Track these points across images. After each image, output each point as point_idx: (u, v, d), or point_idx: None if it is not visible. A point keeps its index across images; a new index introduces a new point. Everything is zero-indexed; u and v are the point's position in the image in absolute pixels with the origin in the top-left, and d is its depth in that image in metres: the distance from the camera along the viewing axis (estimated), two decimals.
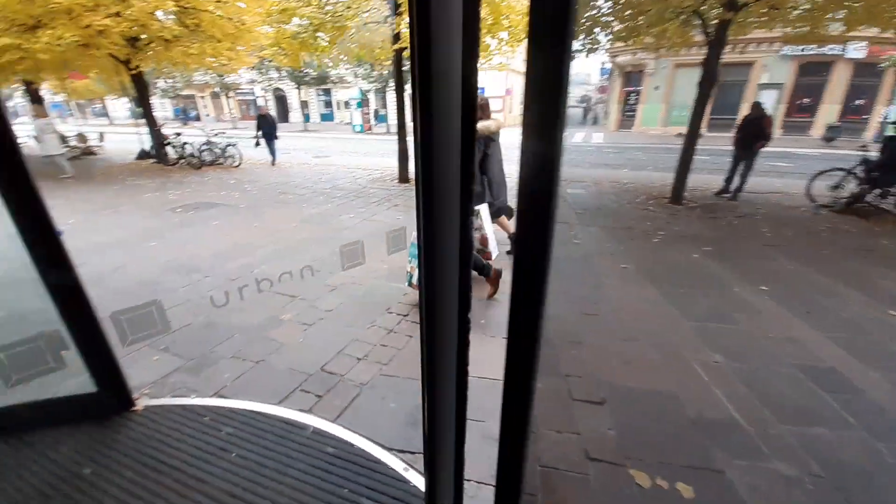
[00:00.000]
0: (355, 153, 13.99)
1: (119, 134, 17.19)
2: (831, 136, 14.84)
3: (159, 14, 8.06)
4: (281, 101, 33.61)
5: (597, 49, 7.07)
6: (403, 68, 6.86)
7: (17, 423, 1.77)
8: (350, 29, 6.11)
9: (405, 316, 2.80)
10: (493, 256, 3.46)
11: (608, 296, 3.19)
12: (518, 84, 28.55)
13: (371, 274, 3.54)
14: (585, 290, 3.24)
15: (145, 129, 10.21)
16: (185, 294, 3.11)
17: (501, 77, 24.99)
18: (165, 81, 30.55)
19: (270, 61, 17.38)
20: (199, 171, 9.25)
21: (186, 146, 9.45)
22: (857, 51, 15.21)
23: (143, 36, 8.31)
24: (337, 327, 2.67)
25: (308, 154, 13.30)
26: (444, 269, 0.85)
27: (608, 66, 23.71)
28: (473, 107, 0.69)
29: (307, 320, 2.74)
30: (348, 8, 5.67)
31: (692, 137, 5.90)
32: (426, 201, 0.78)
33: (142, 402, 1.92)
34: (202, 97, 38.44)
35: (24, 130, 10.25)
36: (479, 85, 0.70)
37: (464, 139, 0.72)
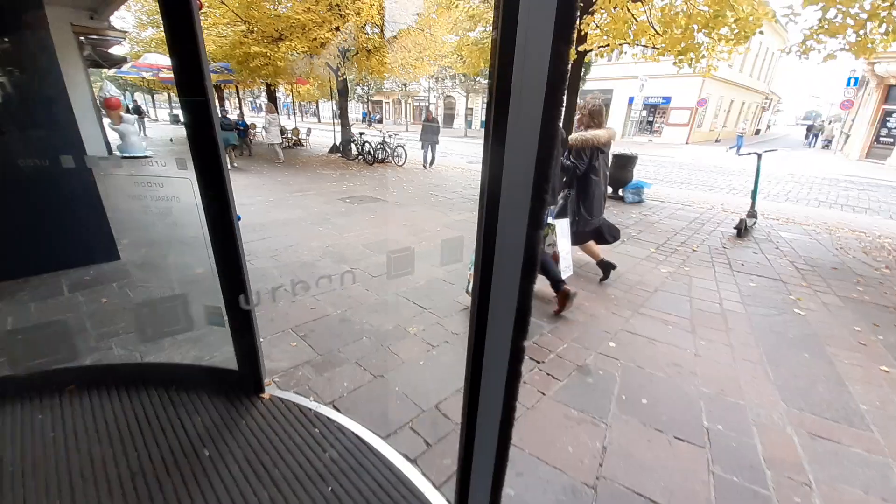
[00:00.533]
0: None
1: (323, 130, 21.10)
2: None
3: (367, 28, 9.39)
4: (449, 108, 36.37)
5: (818, 51, 5.03)
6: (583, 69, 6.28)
7: (171, 379, 2.00)
8: None
9: (540, 364, 2.34)
10: (563, 278, 2.94)
11: (853, 406, 2.09)
12: (718, 93, 24.27)
13: None
14: (817, 393, 2.20)
15: (339, 128, 12.14)
16: (334, 283, 3.31)
17: (695, 84, 21.59)
18: (362, 88, 36.50)
19: (449, 69, 18.89)
20: (371, 166, 10.47)
21: (365, 145, 10.82)
22: None
23: (351, 48, 9.81)
24: (460, 356, 2.39)
25: (463, 158, 13.82)
26: (501, 285, 0.76)
27: (859, 75, 18.01)
28: (557, 101, 0.61)
29: (432, 340, 2.54)
30: None
31: None
32: (490, 206, 0.71)
33: (270, 391, 1.98)
34: (387, 102, 44.59)
35: (259, 122, 13.42)
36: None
37: (543, 138, 0.64)
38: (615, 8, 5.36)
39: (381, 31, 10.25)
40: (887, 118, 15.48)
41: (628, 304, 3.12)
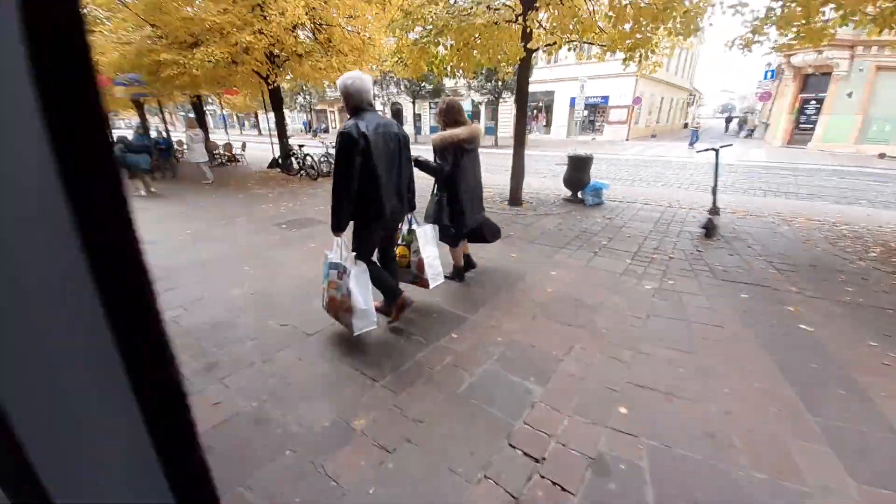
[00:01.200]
0: None
1: (262, 144, 19.55)
2: None
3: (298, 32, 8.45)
4: (397, 114, 35.54)
5: (761, 43, 4.97)
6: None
7: None
8: (475, 30, 5.31)
9: (539, 463, 1.70)
10: (431, 286, 2.93)
11: None
12: (650, 91, 25.38)
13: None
14: (876, 452, 1.73)
15: (283, 140, 11.03)
16: (250, 355, 2.49)
17: (630, 84, 22.39)
18: (304, 97, 34.79)
19: (390, 73, 18.11)
20: (315, 181, 9.49)
21: (307, 158, 9.82)
22: None
23: (279, 53, 8.80)
24: (435, 467, 1.70)
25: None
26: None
27: (774, 67, 19.43)
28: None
29: (388, 440, 1.83)
30: (478, 3, 4.86)
31: None
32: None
33: None
34: (332, 111, 42.96)
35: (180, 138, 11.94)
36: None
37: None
38: (560, 2, 4.95)
39: (314, 33, 9.34)
40: (805, 106, 16.72)
41: (625, 341, 2.58)
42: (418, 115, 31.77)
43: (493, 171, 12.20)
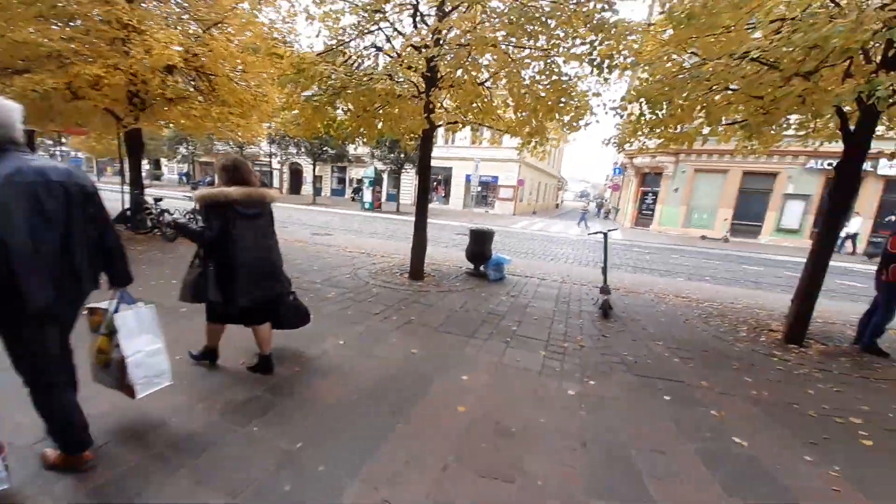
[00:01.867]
0: (360, 232, 12.59)
1: (123, 194, 16.09)
2: (872, 252, 13.55)
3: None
4: (296, 174, 33.91)
5: (631, 143, 5.69)
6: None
7: None
8: (376, 97, 4.87)
9: None
10: (138, 395, 1.99)
11: None
12: (530, 175, 28.70)
13: None
14: None
15: (134, 191, 8.86)
16: None
17: (514, 168, 25.03)
18: (186, 147, 31.07)
19: (283, 134, 17.04)
20: (172, 243, 7.59)
21: (165, 214, 7.91)
22: (891, 168, 14.66)
23: (143, 93, 7.25)
24: None
25: (308, 230, 11.86)
26: None
27: (619, 165, 23.78)
28: None
29: None
30: (380, 79, 4.44)
31: (823, 256, 4.22)
32: None
33: None
34: None
35: None
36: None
37: None
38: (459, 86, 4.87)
39: (195, 79, 8.05)
40: (645, 196, 20.39)
41: (569, 500, 1.85)
42: (318, 177, 30.65)
43: (395, 237, 11.68)
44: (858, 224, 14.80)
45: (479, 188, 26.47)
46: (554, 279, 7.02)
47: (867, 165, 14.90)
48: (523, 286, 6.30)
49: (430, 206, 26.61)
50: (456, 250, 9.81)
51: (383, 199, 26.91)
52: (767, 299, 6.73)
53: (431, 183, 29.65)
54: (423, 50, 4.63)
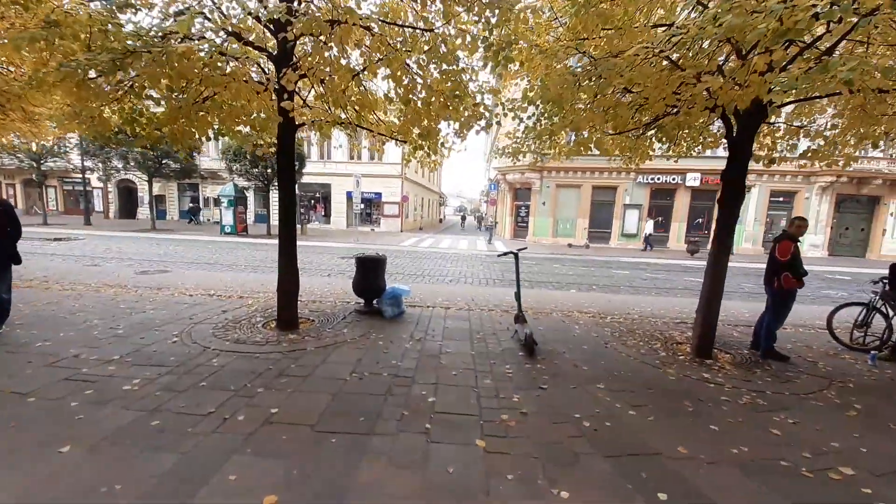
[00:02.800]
0: (213, 265, 9.78)
1: None
2: (693, 249, 16.60)
3: None
4: (128, 194, 26.78)
5: (524, 154, 5.33)
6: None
7: None
8: (192, 73, 3.11)
9: None
10: None
11: None
12: (413, 192, 28.20)
13: None
14: None
15: None
16: None
17: (397, 184, 24.17)
18: None
19: (102, 144, 12.73)
20: None
21: None
22: (693, 181, 18.24)
23: None
24: None
25: (134, 267, 8.62)
26: None
27: (494, 181, 24.96)
28: None
29: None
30: (181, 18, 2.71)
31: (720, 266, 4.10)
32: None
33: None
34: (11, 184, 29.02)
35: None
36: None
37: None
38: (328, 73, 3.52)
39: None
40: (519, 210, 21.62)
41: None
42: (159, 197, 24.82)
43: (263, 267, 9.21)
44: (651, 226, 18.00)
45: (363, 205, 24.82)
46: (459, 307, 6.04)
47: (678, 179, 18.34)
48: (428, 321, 5.12)
49: (310, 226, 23.75)
50: (341, 279, 8.14)
51: (250, 220, 22.97)
52: (651, 304, 6.96)
53: (309, 201, 26.67)
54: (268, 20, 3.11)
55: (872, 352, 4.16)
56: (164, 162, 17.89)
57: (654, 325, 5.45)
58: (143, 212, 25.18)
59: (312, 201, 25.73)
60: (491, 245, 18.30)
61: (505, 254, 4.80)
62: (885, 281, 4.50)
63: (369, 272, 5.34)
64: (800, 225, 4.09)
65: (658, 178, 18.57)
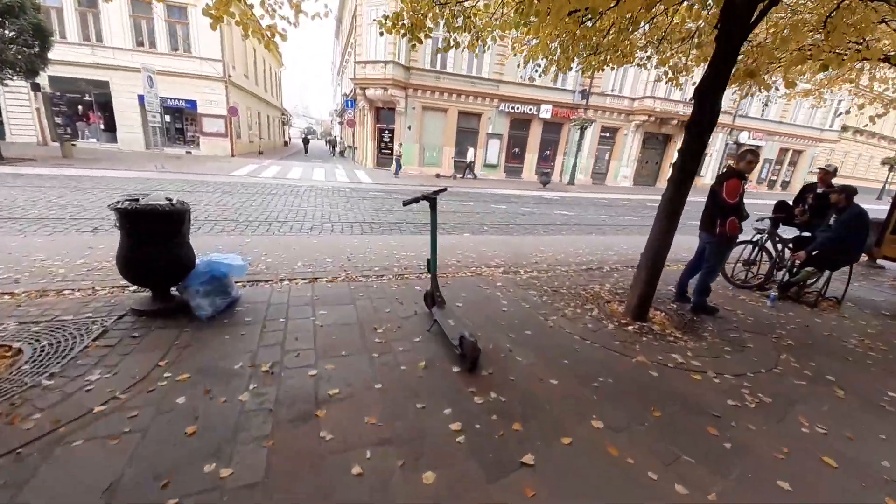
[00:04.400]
0: None
1: None
2: (545, 180, 17.50)
3: None
4: None
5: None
6: None
7: None
8: None
9: None
10: None
11: None
12: (245, 103, 21.70)
13: None
14: None
15: None
16: None
17: (219, 89, 17.86)
18: None
19: None
20: None
21: None
22: (546, 112, 18.67)
23: None
24: None
25: None
26: None
27: (351, 97, 21.02)
28: None
29: None
30: None
31: (671, 220, 3.21)
32: None
33: None
34: None
35: None
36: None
37: None
38: None
39: None
40: (382, 134, 18.83)
41: None
42: None
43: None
44: (472, 154, 18.06)
45: (167, 117, 17.69)
46: (333, 276, 3.97)
47: (534, 109, 18.46)
48: (284, 316, 2.97)
49: (81, 145, 15.94)
50: (111, 241, 4.73)
51: None
52: (547, 246, 6.26)
53: (77, 107, 17.07)
54: None
55: (772, 293, 4.15)
56: None
57: (569, 278, 4.61)
58: None
59: (80, 107, 16.95)
60: (394, 175, 15.50)
61: (415, 200, 2.88)
62: (770, 219, 4.51)
63: (151, 237, 2.68)
64: (751, 160, 3.43)
65: (517, 108, 18.39)
